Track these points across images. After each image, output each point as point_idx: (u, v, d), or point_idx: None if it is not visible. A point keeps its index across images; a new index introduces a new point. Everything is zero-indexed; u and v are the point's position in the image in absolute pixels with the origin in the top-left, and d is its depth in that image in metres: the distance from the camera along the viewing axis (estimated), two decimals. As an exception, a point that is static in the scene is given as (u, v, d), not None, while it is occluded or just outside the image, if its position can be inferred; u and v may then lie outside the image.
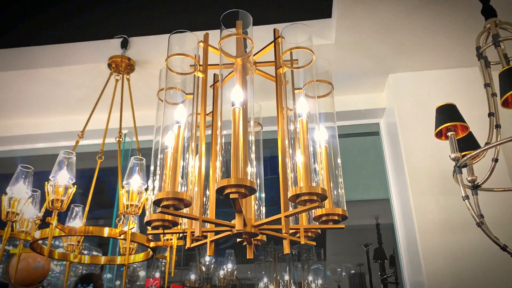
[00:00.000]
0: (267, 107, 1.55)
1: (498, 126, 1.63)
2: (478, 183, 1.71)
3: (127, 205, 1.71)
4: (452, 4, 2.14)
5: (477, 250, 2.11)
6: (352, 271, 4.38)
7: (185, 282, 3.52)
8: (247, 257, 1.32)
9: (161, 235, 1.82)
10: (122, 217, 1.78)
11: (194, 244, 1.36)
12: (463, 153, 1.78)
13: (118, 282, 3.30)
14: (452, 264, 2.13)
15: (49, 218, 1.60)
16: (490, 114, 1.63)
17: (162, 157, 1.33)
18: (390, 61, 2.56)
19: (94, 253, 3.40)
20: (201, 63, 1.42)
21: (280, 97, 1.32)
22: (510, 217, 2.15)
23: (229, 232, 1.25)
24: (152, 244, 1.90)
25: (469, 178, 1.73)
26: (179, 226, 1.28)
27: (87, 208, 2.05)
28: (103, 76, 2.56)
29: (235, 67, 1.37)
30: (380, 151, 2.96)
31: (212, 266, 3.44)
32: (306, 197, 1.06)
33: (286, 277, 3.82)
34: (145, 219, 1.25)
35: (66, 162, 1.73)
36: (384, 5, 2.14)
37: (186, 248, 1.24)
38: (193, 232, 1.26)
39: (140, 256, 2.05)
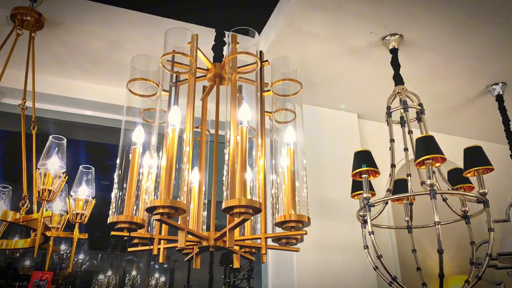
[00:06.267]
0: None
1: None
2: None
3: (42, 190, 1.51)
4: (367, 58, 2.48)
5: (342, 270, 2.47)
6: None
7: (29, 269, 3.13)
8: (194, 267, 1.33)
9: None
10: (27, 200, 1.56)
11: (139, 248, 1.31)
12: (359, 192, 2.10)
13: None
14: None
15: None
16: (392, 165, 1.98)
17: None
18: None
19: None
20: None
21: (263, 119, 1.39)
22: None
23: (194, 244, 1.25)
24: (49, 234, 1.71)
25: (361, 213, 2.04)
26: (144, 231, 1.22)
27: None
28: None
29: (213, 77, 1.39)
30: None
31: (66, 255, 3.14)
32: (293, 224, 1.16)
33: (134, 272, 3.71)
34: (109, 220, 1.16)
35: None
36: (313, 45, 2.36)
37: (154, 254, 1.19)
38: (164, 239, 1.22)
39: (26, 242, 1.80)
